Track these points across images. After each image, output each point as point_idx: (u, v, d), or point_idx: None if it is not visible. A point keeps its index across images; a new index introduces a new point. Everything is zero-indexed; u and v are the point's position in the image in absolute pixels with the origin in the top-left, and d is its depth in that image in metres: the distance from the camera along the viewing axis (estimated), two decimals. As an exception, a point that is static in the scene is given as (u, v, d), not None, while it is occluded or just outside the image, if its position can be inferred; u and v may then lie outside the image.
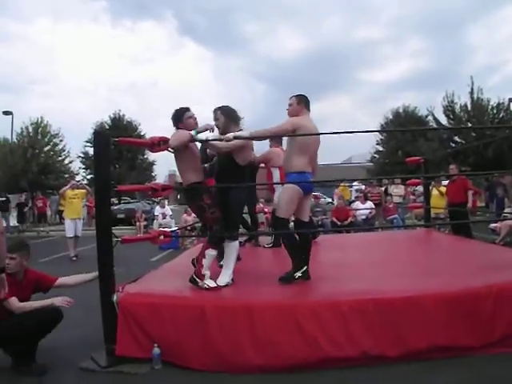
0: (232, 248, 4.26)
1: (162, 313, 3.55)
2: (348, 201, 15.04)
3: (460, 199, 9.13)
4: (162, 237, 4.07)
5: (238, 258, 4.62)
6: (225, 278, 4.13)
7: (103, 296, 3.71)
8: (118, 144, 4.06)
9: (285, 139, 4.29)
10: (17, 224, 19.08)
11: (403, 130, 30.88)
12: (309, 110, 4.39)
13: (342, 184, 15.37)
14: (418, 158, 8.32)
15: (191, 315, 3.50)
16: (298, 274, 4.08)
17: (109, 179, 3.85)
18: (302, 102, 4.34)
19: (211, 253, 4.07)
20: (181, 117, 4.16)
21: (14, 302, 3.67)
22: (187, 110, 4.23)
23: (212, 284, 3.97)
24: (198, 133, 4.03)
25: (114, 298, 3.68)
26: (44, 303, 3.78)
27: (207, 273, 4.03)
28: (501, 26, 69.60)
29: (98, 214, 3.83)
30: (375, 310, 3.40)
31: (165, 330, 3.51)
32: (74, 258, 10.23)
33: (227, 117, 4.26)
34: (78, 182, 12.37)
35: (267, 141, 6.32)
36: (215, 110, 4.29)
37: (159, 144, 3.96)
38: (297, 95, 4.37)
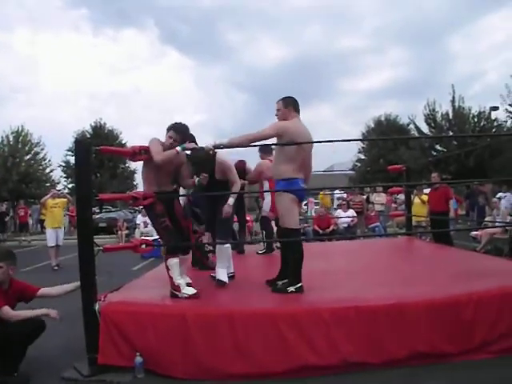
0: (223, 250, 4.48)
1: (143, 321, 3.53)
2: (329, 209, 15.10)
3: (441, 208, 9.15)
4: (143, 246, 4.06)
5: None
6: (221, 275, 4.39)
7: (85, 305, 3.68)
8: (99, 153, 4.04)
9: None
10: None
11: (385, 139, 31.09)
12: (298, 112, 4.19)
13: (322, 192, 15.46)
14: (399, 166, 8.39)
15: (173, 323, 3.49)
16: (292, 289, 3.99)
17: (90, 188, 3.83)
18: (289, 105, 4.15)
19: (173, 261, 4.04)
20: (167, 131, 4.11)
21: (9, 311, 3.65)
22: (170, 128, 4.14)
23: (190, 291, 3.98)
24: (184, 149, 4.02)
25: (96, 306, 3.65)
26: (37, 312, 3.76)
27: (181, 282, 4.01)
28: (481, 36, 70.86)
29: (80, 223, 3.80)
30: (357, 318, 3.42)
31: (147, 339, 3.49)
32: (56, 268, 10.15)
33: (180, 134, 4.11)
34: (59, 191, 12.31)
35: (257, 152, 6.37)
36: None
37: (140, 153, 3.95)
38: (283, 98, 4.18)
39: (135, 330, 3.52)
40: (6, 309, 3.63)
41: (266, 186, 6.25)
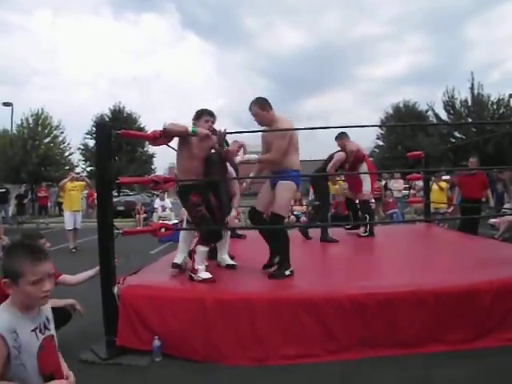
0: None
1: (162, 305, 3.56)
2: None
3: (477, 195, 8.76)
4: (163, 230, 4.07)
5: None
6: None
7: (104, 288, 3.72)
8: (120, 136, 4.06)
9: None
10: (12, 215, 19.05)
11: (403, 125, 30.81)
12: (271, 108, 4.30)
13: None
14: (418, 152, 8.30)
15: (191, 307, 3.52)
16: (288, 272, 4.08)
17: (110, 171, 3.84)
18: (265, 106, 4.22)
19: (202, 249, 4.13)
20: (200, 116, 4.30)
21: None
22: (209, 113, 4.34)
23: (205, 275, 4.02)
24: (195, 132, 4.05)
25: (115, 290, 3.69)
26: (65, 302, 3.83)
27: (200, 267, 4.07)
28: (500, 23, 69.41)
29: (100, 207, 3.83)
30: (374, 305, 3.41)
31: (165, 323, 3.52)
32: (74, 250, 10.26)
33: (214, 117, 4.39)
34: (78, 174, 12.37)
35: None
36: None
37: (161, 137, 3.96)
38: (255, 102, 4.24)
39: (153, 313, 3.56)
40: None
41: (364, 168, 6.64)
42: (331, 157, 6.64)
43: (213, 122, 4.34)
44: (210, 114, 4.34)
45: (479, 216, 8.09)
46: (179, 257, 4.52)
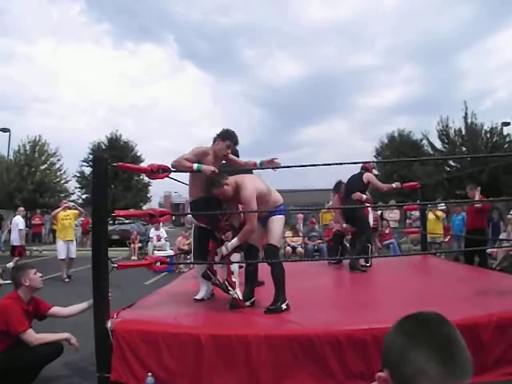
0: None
1: (156, 341, 3.48)
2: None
3: (477, 224, 8.75)
4: (158, 263, 4.03)
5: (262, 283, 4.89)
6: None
7: (97, 322, 3.63)
8: (117, 169, 4.05)
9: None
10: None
11: (393, 161, 30.80)
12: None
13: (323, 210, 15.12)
14: (414, 183, 8.33)
15: (186, 344, 3.44)
16: (284, 306, 4.03)
17: (106, 205, 3.81)
18: (221, 181, 4.11)
19: (235, 257, 4.26)
20: (225, 138, 4.31)
21: (31, 334, 3.66)
22: (235, 141, 4.38)
23: (240, 296, 4.08)
24: (200, 169, 4.06)
25: (109, 324, 3.62)
26: (59, 337, 3.76)
27: (236, 280, 4.16)
28: (490, 53, 71.04)
29: (94, 240, 3.78)
30: (372, 341, 3.35)
31: (159, 359, 3.44)
32: (67, 280, 10.17)
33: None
34: (72, 202, 12.38)
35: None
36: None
37: (158, 171, 3.95)
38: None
39: (148, 349, 3.47)
40: (30, 332, 3.65)
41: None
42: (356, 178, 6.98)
43: (232, 151, 4.43)
44: (236, 142, 4.40)
45: (474, 248, 8.04)
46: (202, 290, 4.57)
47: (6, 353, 3.55)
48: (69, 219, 10.64)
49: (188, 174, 4.31)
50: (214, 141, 4.35)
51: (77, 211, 11.23)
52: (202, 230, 4.47)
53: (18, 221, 11.86)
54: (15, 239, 11.83)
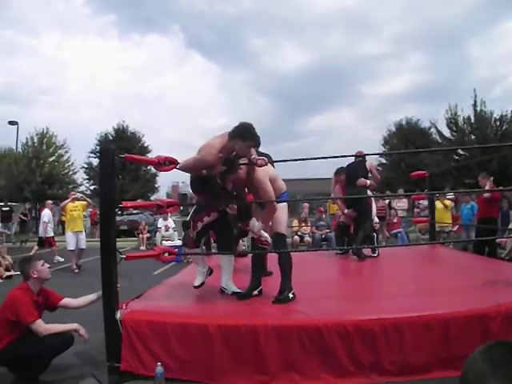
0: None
1: (165, 331, 3.51)
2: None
3: (488, 214, 8.68)
4: (166, 254, 4.04)
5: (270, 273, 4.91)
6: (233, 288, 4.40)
7: (107, 313, 3.68)
8: (124, 161, 4.06)
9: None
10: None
11: (400, 152, 30.59)
12: None
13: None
14: (422, 172, 8.27)
15: (194, 333, 3.47)
16: (291, 295, 4.03)
17: (114, 196, 3.83)
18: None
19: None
20: (247, 138, 3.96)
21: (41, 325, 3.66)
22: (257, 143, 4.08)
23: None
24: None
25: (118, 315, 3.65)
26: (68, 327, 3.78)
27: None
28: (499, 40, 69.95)
29: (103, 232, 3.81)
30: (380, 331, 3.36)
31: (168, 349, 3.48)
32: (76, 270, 10.23)
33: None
34: (80, 192, 12.43)
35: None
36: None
37: (165, 163, 3.95)
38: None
39: (157, 339, 3.51)
40: (39, 322, 3.65)
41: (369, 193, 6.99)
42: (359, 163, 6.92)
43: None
44: (258, 143, 4.07)
45: (482, 238, 8.01)
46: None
47: (16, 343, 3.58)
48: (77, 210, 10.68)
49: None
50: (231, 136, 3.95)
51: (85, 202, 11.24)
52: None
53: (45, 213, 12.21)
54: (41, 231, 12.32)
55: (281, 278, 4.12)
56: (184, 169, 4.02)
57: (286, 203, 4.35)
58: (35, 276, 3.81)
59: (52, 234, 12.55)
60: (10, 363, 3.69)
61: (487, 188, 8.50)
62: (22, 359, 3.60)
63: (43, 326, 3.66)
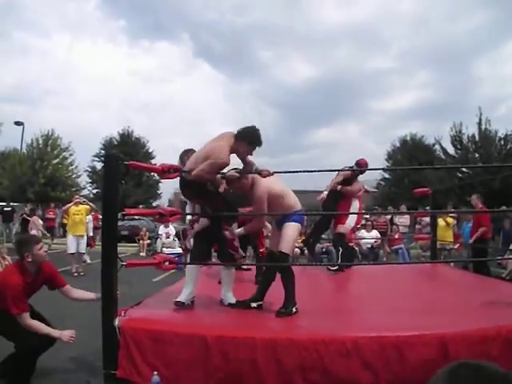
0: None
1: (163, 340, 3.50)
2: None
3: (482, 235, 8.79)
4: (167, 263, 4.04)
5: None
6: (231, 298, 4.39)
7: (105, 320, 3.66)
8: (128, 168, 4.06)
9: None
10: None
11: (402, 168, 30.57)
12: None
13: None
14: (425, 189, 8.27)
15: (192, 344, 3.44)
16: (294, 309, 4.00)
17: (117, 203, 3.82)
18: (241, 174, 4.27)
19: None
20: (253, 142, 4.10)
21: (26, 318, 3.66)
22: (259, 145, 4.15)
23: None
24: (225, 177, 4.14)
25: (116, 322, 3.64)
26: (52, 332, 3.76)
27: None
28: (506, 60, 70.25)
29: (104, 238, 3.80)
30: (377, 348, 3.34)
31: (166, 358, 3.46)
32: (76, 274, 10.21)
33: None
34: (82, 197, 12.41)
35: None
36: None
37: (169, 171, 3.96)
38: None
39: (154, 348, 3.49)
40: (24, 317, 3.64)
41: (355, 205, 6.96)
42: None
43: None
44: (260, 145, 4.14)
45: (486, 259, 8.01)
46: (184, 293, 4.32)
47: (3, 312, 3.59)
48: (80, 214, 10.67)
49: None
50: (239, 137, 4.02)
51: (88, 206, 11.19)
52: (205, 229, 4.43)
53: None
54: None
55: (284, 294, 4.08)
56: (200, 175, 3.91)
57: (297, 224, 4.23)
58: (29, 260, 3.77)
59: (92, 234, 12.76)
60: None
61: (478, 207, 8.79)
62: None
63: (28, 321, 3.66)
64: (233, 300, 4.38)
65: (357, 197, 6.97)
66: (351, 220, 7.02)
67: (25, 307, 3.67)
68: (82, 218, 10.75)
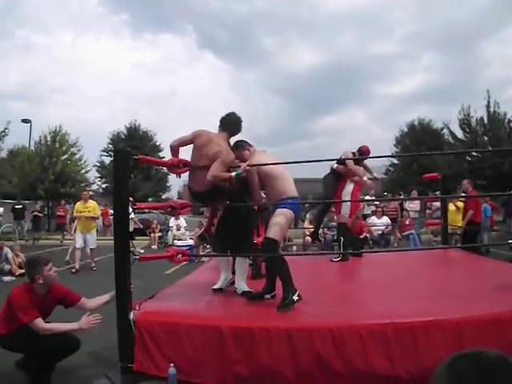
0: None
1: (178, 332, 3.52)
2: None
3: (474, 217, 9.03)
4: (180, 256, 4.06)
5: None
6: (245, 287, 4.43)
7: (120, 314, 3.68)
8: (137, 162, 4.07)
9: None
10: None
11: (411, 155, 30.37)
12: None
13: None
14: (434, 174, 8.23)
15: (207, 335, 3.47)
16: (295, 297, 3.83)
17: (128, 198, 3.84)
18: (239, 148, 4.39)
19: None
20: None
21: (40, 323, 3.65)
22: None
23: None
24: (239, 175, 4.09)
25: (131, 316, 3.66)
26: (70, 327, 3.77)
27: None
28: (512, 41, 69.62)
29: (116, 233, 3.81)
30: (394, 334, 3.34)
31: (181, 350, 3.48)
32: (74, 270, 10.16)
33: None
34: (89, 191, 12.25)
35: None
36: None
37: (179, 166, 3.97)
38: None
39: (170, 340, 3.52)
40: (39, 321, 3.64)
41: (349, 188, 6.88)
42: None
43: None
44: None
45: (501, 243, 8.00)
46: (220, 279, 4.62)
47: (26, 328, 3.60)
48: (87, 211, 10.69)
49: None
50: (229, 131, 4.41)
51: (95, 203, 11.19)
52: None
53: None
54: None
55: (281, 284, 3.98)
56: (217, 177, 4.04)
57: (289, 210, 4.08)
58: (40, 282, 3.78)
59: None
60: (19, 349, 3.72)
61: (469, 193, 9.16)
62: (27, 347, 3.63)
63: (42, 326, 3.65)
64: (246, 288, 4.41)
65: (352, 181, 6.91)
66: (345, 208, 6.98)
67: (35, 313, 3.64)
68: (90, 214, 10.78)
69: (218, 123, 4.38)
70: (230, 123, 4.36)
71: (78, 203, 10.79)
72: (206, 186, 4.12)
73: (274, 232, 4.00)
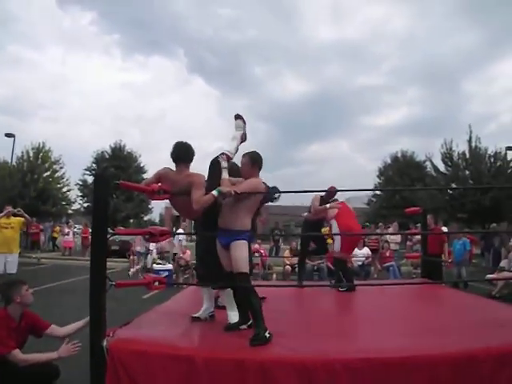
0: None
1: (151, 362, 3.46)
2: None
3: (435, 250, 9.01)
4: (156, 283, 4.01)
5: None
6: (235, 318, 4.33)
7: (93, 341, 3.61)
8: (118, 187, 4.05)
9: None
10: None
11: (394, 189, 30.54)
12: (260, 169, 4.30)
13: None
14: (416, 208, 8.34)
15: (180, 365, 3.40)
16: (267, 334, 3.77)
17: (107, 223, 3.80)
18: (255, 163, 4.24)
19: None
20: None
21: (17, 354, 3.59)
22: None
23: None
24: (220, 193, 3.97)
25: (104, 343, 3.59)
26: (50, 356, 3.70)
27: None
28: (494, 79, 71.98)
29: (93, 258, 3.76)
30: (369, 370, 3.31)
31: (154, 380, 3.41)
32: None
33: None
34: (17, 208, 9.49)
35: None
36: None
37: (159, 192, 3.95)
38: (250, 154, 4.28)
39: (142, 370, 3.44)
40: (16, 352, 3.58)
41: (334, 226, 6.97)
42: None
43: None
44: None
45: (478, 279, 8.02)
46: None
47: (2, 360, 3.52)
48: (10, 228, 8.71)
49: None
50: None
51: (22, 219, 9.09)
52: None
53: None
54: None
55: (252, 320, 3.97)
56: (204, 203, 3.97)
57: (245, 241, 4.05)
58: (18, 301, 3.73)
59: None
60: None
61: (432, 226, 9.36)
62: (4, 377, 3.55)
63: (20, 357, 3.58)
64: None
65: (332, 218, 7.03)
66: (336, 244, 7.08)
67: (12, 344, 3.59)
68: (11, 232, 8.79)
69: (171, 159, 4.30)
70: (180, 155, 4.26)
71: (2, 219, 8.72)
72: (196, 214, 4.12)
73: (243, 266, 3.99)
